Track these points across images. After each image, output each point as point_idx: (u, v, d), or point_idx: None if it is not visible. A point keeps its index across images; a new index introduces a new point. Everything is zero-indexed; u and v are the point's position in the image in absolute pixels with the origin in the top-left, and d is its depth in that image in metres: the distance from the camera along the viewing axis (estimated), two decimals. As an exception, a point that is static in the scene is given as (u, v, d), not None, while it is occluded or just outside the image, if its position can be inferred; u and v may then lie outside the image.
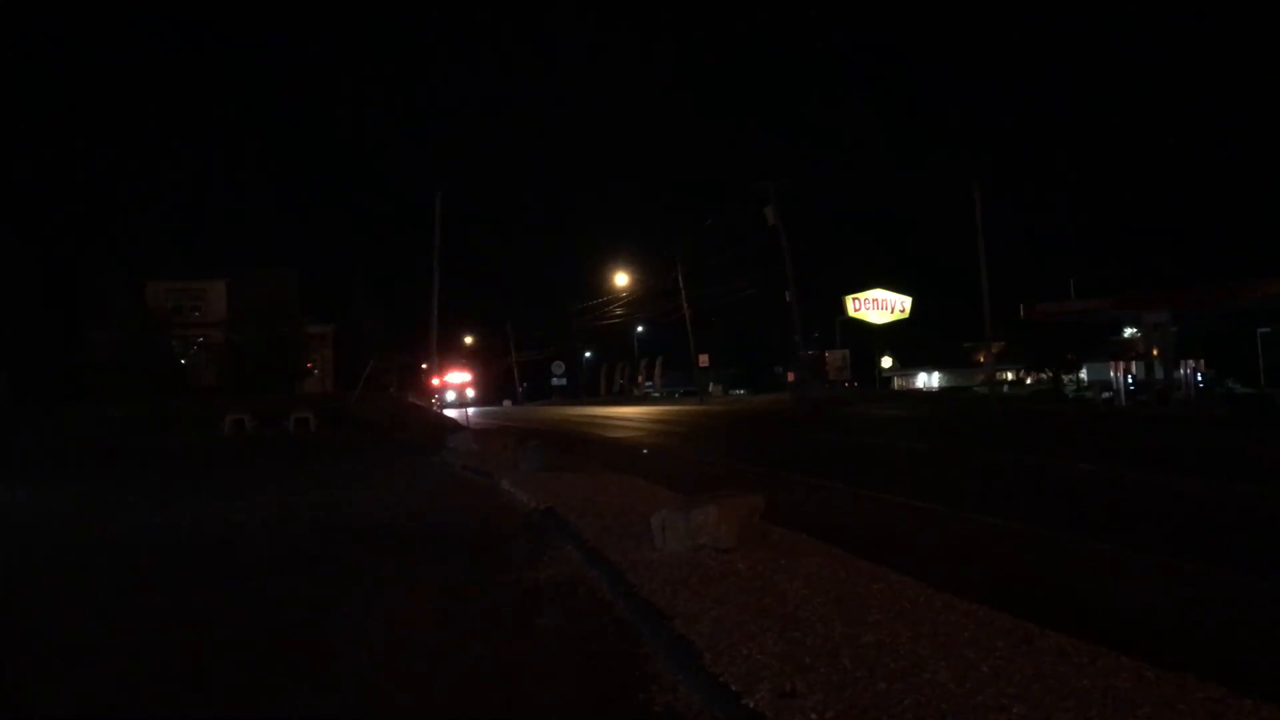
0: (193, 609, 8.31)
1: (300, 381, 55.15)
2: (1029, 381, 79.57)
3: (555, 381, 79.82)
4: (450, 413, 59.06)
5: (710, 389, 71.59)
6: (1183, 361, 42.58)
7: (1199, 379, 41.96)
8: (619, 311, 76.58)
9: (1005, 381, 77.37)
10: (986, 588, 7.64)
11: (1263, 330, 44.54)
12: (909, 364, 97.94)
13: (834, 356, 61.62)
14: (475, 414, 55.13)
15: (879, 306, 69.11)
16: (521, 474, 17.06)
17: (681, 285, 67.42)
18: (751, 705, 5.10)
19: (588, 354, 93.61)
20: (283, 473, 20.65)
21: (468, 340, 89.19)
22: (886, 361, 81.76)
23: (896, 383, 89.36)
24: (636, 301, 76.02)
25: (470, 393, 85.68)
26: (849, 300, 68.22)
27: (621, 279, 73.85)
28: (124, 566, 10.42)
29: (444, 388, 78.90)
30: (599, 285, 76.80)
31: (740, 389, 77.36)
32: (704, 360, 69.46)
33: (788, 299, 56.06)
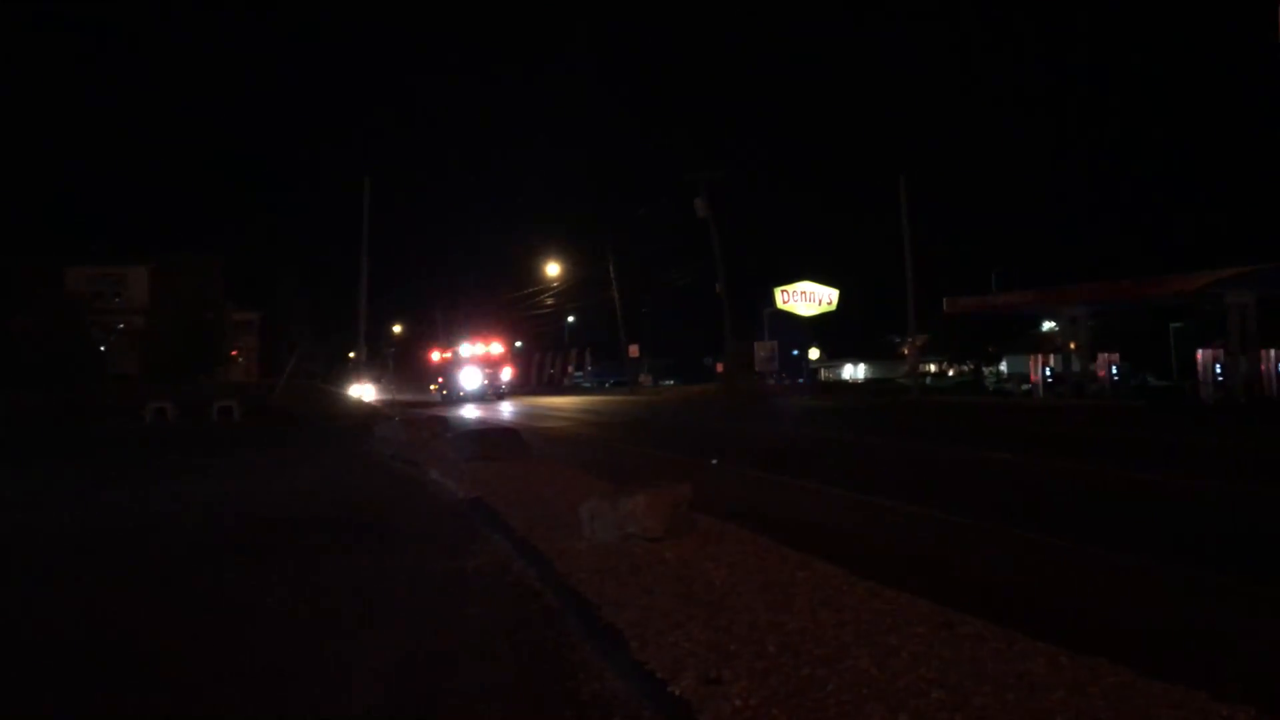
0: (109, 599, 8.15)
1: (225, 369, 54.19)
2: (951, 374, 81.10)
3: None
4: (469, 411, 43.64)
5: (641, 379, 71.70)
6: (1100, 355, 43.70)
7: (1115, 372, 43.11)
8: (549, 301, 76.37)
9: (928, 374, 78.78)
10: (908, 574, 7.81)
11: (1175, 325, 45.90)
12: (836, 356, 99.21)
13: (762, 348, 62.15)
14: (400, 406, 50.29)
15: (807, 299, 69.80)
16: (450, 464, 16.97)
17: (613, 276, 67.47)
18: (677, 693, 5.16)
19: (518, 343, 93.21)
20: (206, 463, 20.28)
21: (395, 329, 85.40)
22: (814, 353, 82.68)
23: (823, 374, 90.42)
24: (568, 291, 75.94)
25: (506, 374, 60.74)
26: (778, 292, 68.77)
27: (553, 269, 73.64)
28: (42, 558, 10.16)
29: (451, 368, 58.46)
30: (530, 275, 76.43)
31: (671, 379, 77.56)
32: (634, 351, 69.55)
33: (718, 290, 56.41)
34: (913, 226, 46.67)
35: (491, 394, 55.77)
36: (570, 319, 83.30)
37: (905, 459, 18.71)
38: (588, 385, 75.30)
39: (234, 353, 56.72)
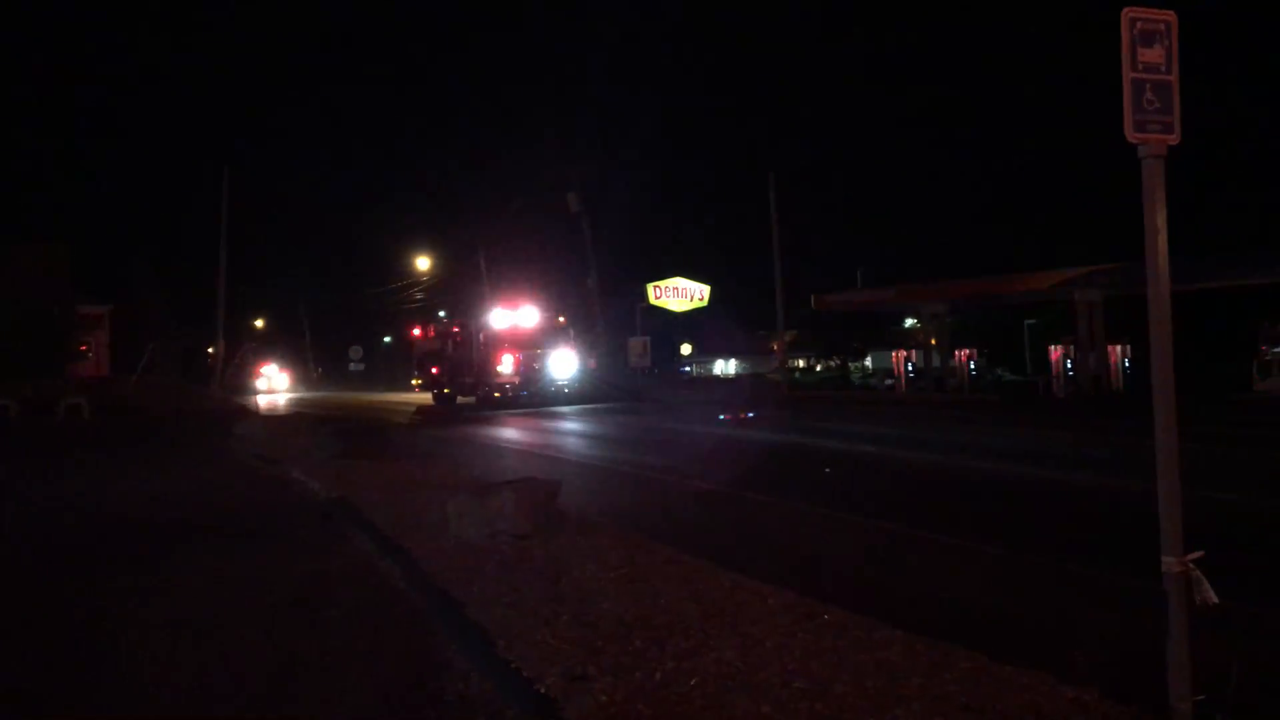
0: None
1: (72, 365, 51.61)
2: (818, 369, 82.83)
3: (353, 367, 77.37)
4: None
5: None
6: (959, 350, 45.30)
7: (972, 367, 44.75)
8: (420, 296, 75.19)
9: (796, 369, 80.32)
10: (772, 565, 7.93)
11: (1029, 322, 47.87)
12: (708, 352, 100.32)
13: (635, 344, 62.36)
14: (273, 401, 50.53)
15: (679, 294, 70.39)
16: (314, 462, 16.54)
17: (485, 270, 66.87)
18: (543, 690, 5.12)
19: (387, 339, 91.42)
20: (54, 464, 19.29)
21: (258, 323, 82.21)
22: (686, 349, 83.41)
23: (695, 369, 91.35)
24: (439, 286, 74.87)
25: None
26: (650, 288, 69.18)
27: (423, 263, 72.52)
28: None
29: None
30: (400, 268, 75.04)
31: (544, 374, 77.08)
32: (506, 346, 68.98)
33: (590, 286, 56.40)
34: (782, 224, 47.50)
35: (527, 390, 34.77)
36: (442, 314, 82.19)
37: (770, 451, 19.01)
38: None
39: (83, 347, 53.70)
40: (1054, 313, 42.72)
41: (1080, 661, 5.38)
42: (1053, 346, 39.03)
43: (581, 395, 36.05)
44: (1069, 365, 37.45)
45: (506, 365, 34.35)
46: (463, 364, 36.75)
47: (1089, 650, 5.73)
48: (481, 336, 35.21)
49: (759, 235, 46.60)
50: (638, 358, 60.79)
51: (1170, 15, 4.29)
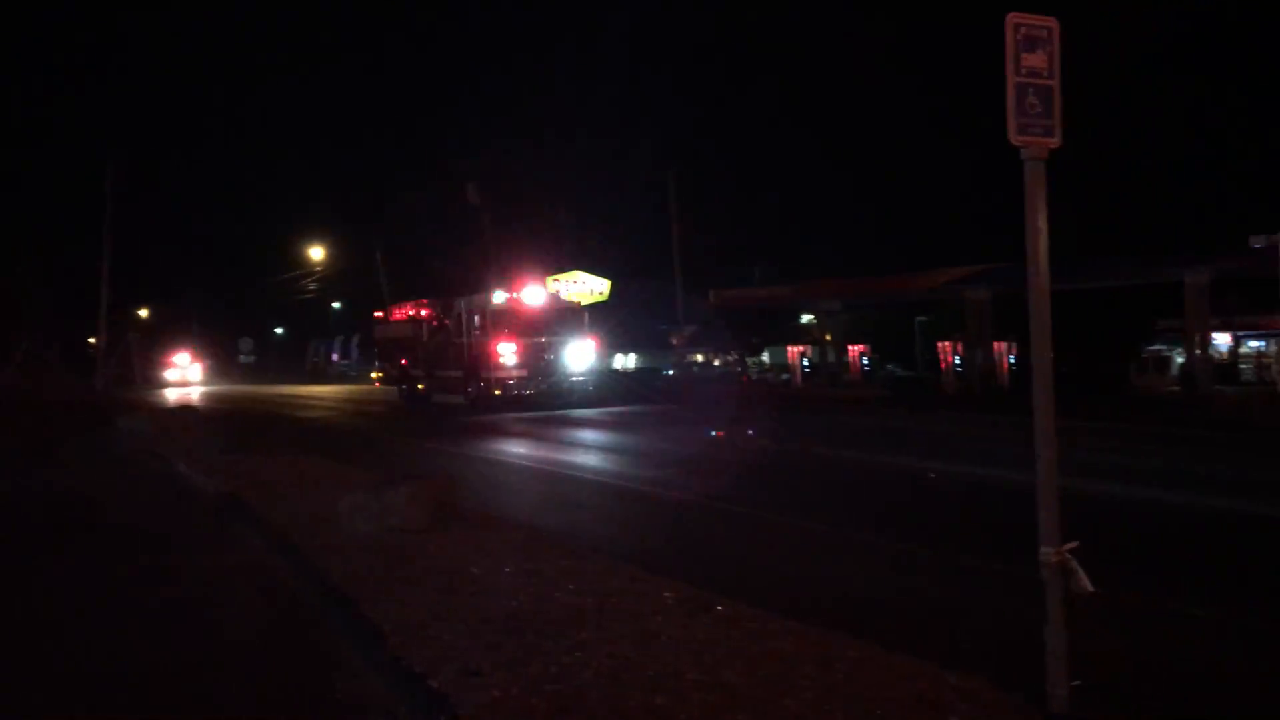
0: None
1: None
2: (716, 363, 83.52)
3: (243, 359, 75.39)
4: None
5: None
6: (853, 346, 46.20)
7: (865, 362, 45.67)
8: (313, 287, 73.66)
9: (695, 363, 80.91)
10: (671, 557, 7.99)
11: (920, 319, 49.06)
12: (610, 347, 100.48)
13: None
14: (185, 394, 48.27)
15: (579, 288, 70.39)
16: (203, 457, 16.07)
17: (381, 261, 65.85)
18: (435, 686, 5.06)
19: (279, 330, 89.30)
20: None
21: (143, 313, 79.16)
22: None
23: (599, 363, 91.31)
24: (334, 277, 73.43)
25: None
26: (550, 281, 69.00)
27: (317, 253, 71.06)
28: None
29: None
30: (293, 258, 73.34)
31: (440, 369, 76.37)
32: (404, 339, 68.02)
33: (489, 280, 55.90)
34: (682, 220, 47.83)
35: (540, 385, 28.23)
36: (336, 305, 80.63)
37: (668, 441, 19.12)
38: (354, 374, 72.76)
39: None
40: (944, 310, 43.86)
41: (967, 650, 5.55)
42: (942, 343, 40.03)
43: (604, 394, 29.46)
44: (958, 361, 38.45)
45: (509, 355, 27.29)
46: (445, 354, 29.50)
47: (977, 639, 5.91)
48: (476, 320, 27.99)
49: (659, 231, 46.82)
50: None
51: (1052, 21, 4.42)
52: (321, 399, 40.10)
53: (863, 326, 49.95)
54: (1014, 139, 4.35)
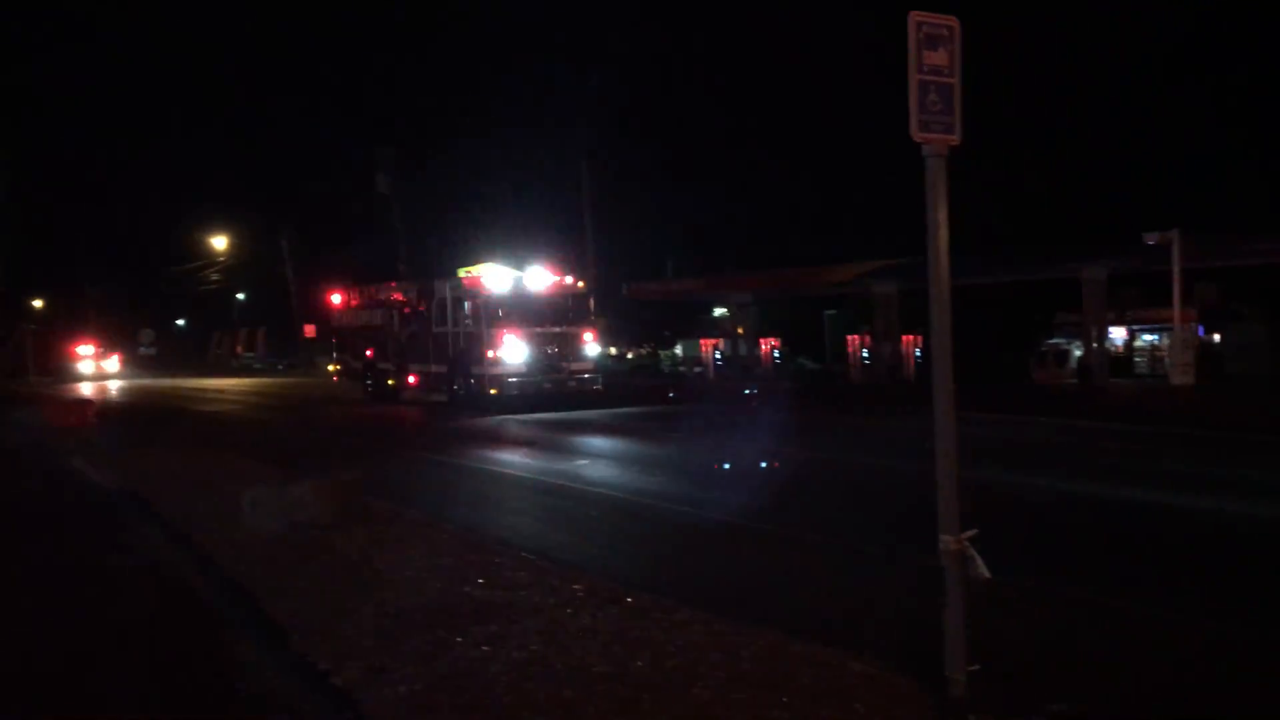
0: None
1: None
2: (630, 356, 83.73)
3: (143, 351, 73.20)
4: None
5: (317, 361, 68.84)
6: (764, 339, 46.70)
7: (777, 355, 46.20)
8: (215, 277, 71.82)
9: (609, 356, 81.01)
10: (583, 551, 7.98)
11: (829, 312, 49.79)
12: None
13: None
14: (103, 385, 45.97)
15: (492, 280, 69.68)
16: (100, 452, 15.59)
17: (287, 252, 64.56)
18: (339, 684, 4.99)
19: (180, 321, 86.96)
20: None
21: (36, 304, 76.27)
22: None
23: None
24: (239, 267, 71.69)
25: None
26: (462, 273, 68.30)
27: (220, 242, 69.31)
28: None
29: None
30: (196, 248, 71.38)
31: (350, 361, 75.06)
32: (310, 331, 66.76)
33: (400, 270, 55.24)
34: (598, 211, 47.77)
35: (556, 383, 24.26)
36: (240, 296, 78.79)
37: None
38: (259, 367, 71.02)
39: None
40: (853, 304, 44.57)
41: (873, 638, 5.65)
42: (851, 336, 40.66)
43: (614, 392, 26.22)
44: (865, 354, 39.11)
45: (512, 349, 23.34)
46: (423, 345, 25.84)
47: (882, 627, 6.01)
48: (467, 307, 24.14)
49: (573, 222, 46.67)
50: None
51: (953, 20, 4.51)
52: (223, 393, 39.20)
53: (775, 319, 50.48)
54: (916, 135, 4.43)
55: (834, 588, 7.29)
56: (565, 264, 25.70)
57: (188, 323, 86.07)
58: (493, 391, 23.09)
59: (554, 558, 7.61)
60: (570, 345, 24.34)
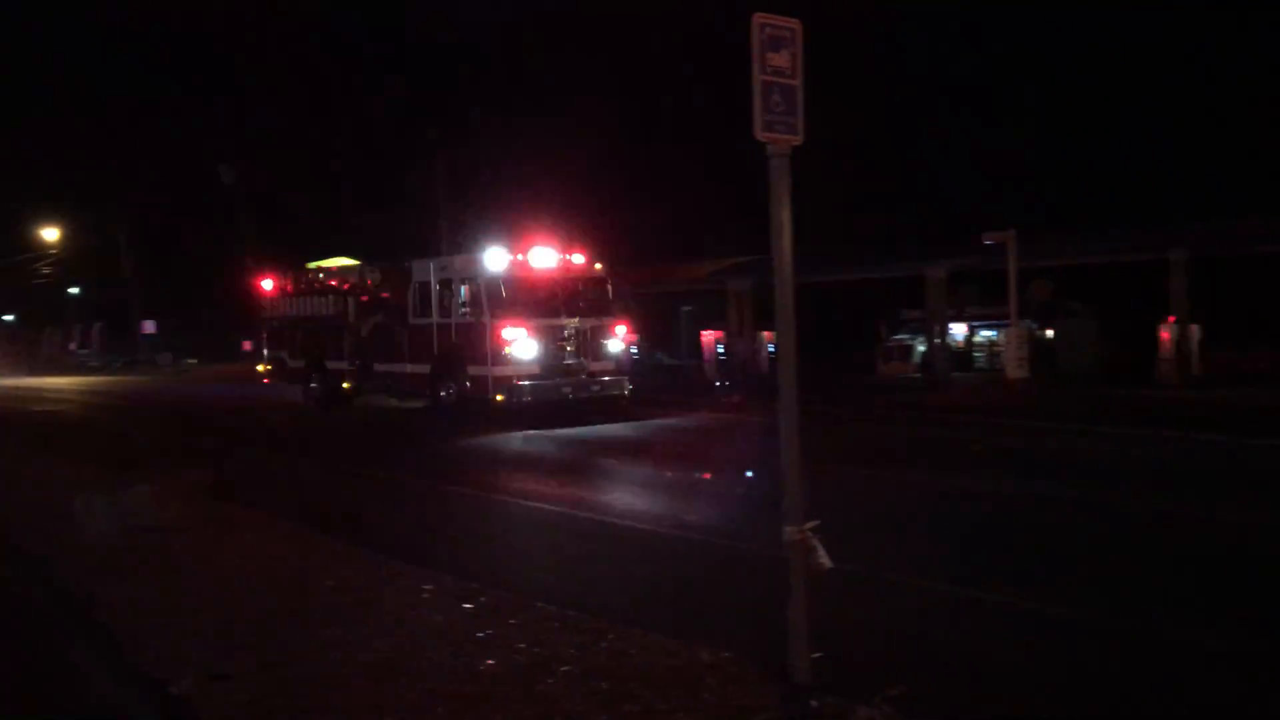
0: None
1: None
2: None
3: (-34, 348, 68.87)
4: None
5: (159, 358, 66.20)
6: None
7: (635, 350, 46.54)
8: (46, 270, 68.10)
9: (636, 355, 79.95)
10: (427, 550, 7.89)
11: (685, 308, 50.46)
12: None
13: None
14: None
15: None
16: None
17: (125, 243, 61.74)
18: (176, 693, 4.81)
19: (9, 317, 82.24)
20: None
21: None
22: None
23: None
24: (72, 260, 68.15)
25: (614, 343, 53.56)
26: (311, 268, 66.47)
27: (51, 234, 65.75)
28: None
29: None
30: (22, 240, 67.51)
31: (194, 359, 72.42)
32: (150, 327, 64.00)
33: (246, 263, 53.48)
34: (454, 203, 47.16)
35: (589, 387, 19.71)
36: (74, 290, 74.95)
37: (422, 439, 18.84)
38: (95, 364, 67.76)
39: None
40: (709, 300, 45.24)
41: (724, 628, 5.76)
42: (704, 332, 41.28)
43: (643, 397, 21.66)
44: (720, 350, 39.75)
45: (520, 345, 18.67)
46: (392, 340, 21.30)
47: (733, 618, 6.13)
48: (464, 293, 19.50)
49: (429, 216, 45.96)
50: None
51: (795, 22, 4.61)
52: (62, 392, 37.24)
53: (635, 315, 50.83)
54: (759, 135, 4.52)
55: (681, 579, 7.37)
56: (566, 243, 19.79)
57: (17, 319, 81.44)
58: (498, 399, 18.25)
59: (406, 557, 7.48)
60: (591, 340, 19.74)
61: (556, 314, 19.30)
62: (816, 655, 4.68)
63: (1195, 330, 21.89)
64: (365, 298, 22.39)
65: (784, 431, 4.68)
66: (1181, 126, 34.58)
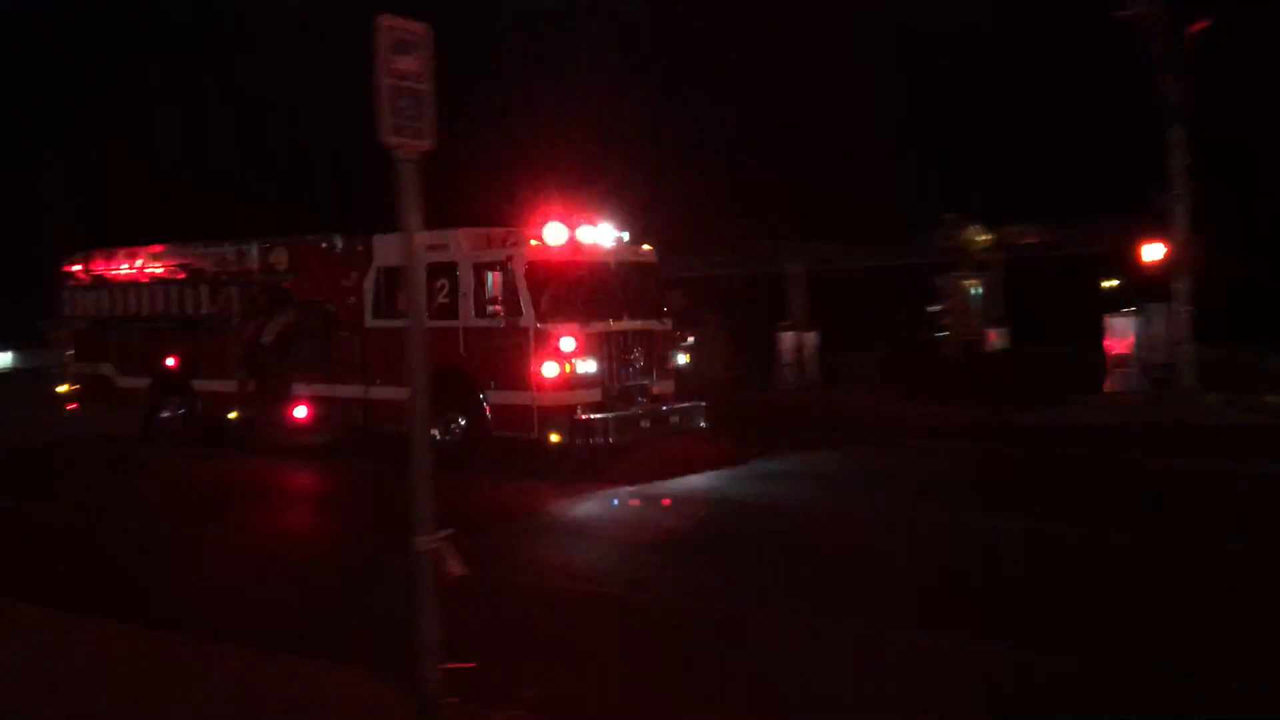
0: None
1: None
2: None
3: None
4: None
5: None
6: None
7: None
8: None
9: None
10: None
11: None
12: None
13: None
14: None
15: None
16: None
17: None
18: None
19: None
20: None
21: None
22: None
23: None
24: None
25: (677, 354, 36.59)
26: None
27: None
28: None
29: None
30: None
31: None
32: None
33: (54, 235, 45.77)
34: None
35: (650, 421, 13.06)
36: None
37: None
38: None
39: None
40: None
41: (357, 643, 5.57)
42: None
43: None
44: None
45: (589, 361, 12.68)
46: (330, 353, 14.42)
47: (368, 632, 5.92)
48: (491, 284, 12.90)
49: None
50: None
51: (423, 26, 4.49)
52: None
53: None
54: (385, 140, 4.38)
55: (312, 591, 7.08)
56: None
57: None
58: (552, 438, 12.28)
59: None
60: (654, 351, 13.85)
61: (618, 315, 13.39)
62: (447, 666, 4.59)
63: (812, 337, 23.64)
64: (265, 288, 15.46)
65: (412, 444, 4.59)
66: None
